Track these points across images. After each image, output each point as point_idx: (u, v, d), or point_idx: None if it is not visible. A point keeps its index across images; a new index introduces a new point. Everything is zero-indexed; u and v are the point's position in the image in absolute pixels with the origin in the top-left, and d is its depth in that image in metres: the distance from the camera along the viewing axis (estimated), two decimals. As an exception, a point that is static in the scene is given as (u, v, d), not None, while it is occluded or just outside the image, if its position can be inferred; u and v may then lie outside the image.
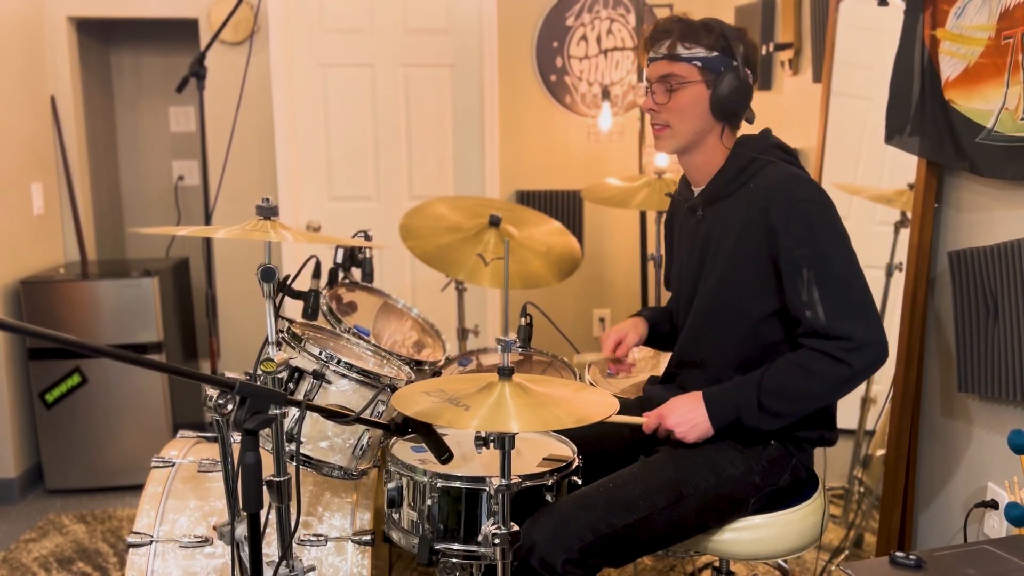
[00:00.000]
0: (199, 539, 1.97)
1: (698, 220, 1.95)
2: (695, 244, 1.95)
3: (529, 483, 1.72)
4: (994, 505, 2.01)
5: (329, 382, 1.88)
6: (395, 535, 1.82)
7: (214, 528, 1.93)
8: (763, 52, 3.44)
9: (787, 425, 1.83)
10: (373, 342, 2.19)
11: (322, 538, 1.99)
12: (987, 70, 1.96)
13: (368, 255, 2.58)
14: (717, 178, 1.89)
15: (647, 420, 1.87)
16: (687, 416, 1.82)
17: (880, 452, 2.58)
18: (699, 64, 1.82)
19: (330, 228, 4.01)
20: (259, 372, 1.67)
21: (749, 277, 1.83)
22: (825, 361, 1.72)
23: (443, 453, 1.72)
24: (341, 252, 2.50)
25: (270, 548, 1.91)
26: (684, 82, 1.83)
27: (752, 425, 1.79)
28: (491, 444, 1.61)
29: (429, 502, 1.74)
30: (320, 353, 1.88)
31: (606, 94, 3.98)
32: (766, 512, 1.86)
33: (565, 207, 4.14)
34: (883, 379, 2.60)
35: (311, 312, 1.94)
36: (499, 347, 1.56)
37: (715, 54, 1.82)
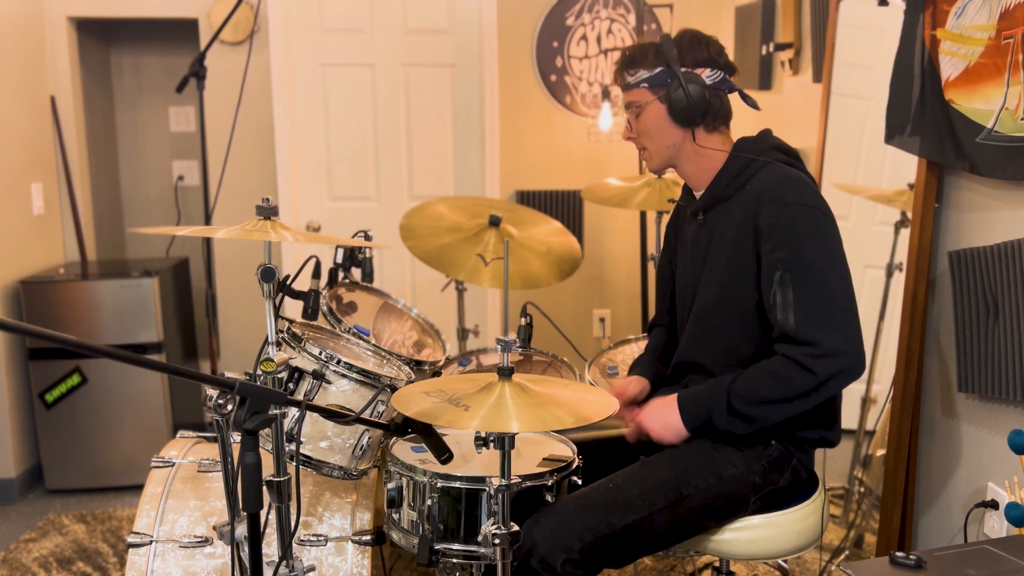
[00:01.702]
0: (199, 539, 1.97)
1: (700, 224, 1.96)
2: (698, 247, 1.96)
3: (529, 483, 1.72)
4: (994, 505, 2.01)
5: (329, 382, 1.88)
6: (395, 535, 1.82)
7: (214, 528, 1.94)
8: (763, 52, 3.44)
9: (787, 426, 1.84)
10: (373, 342, 2.19)
11: (322, 538, 1.99)
12: (987, 70, 1.96)
13: (368, 255, 2.58)
14: (715, 182, 1.91)
15: (629, 431, 1.91)
16: (662, 419, 1.84)
17: (880, 452, 2.58)
18: (646, 85, 1.90)
19: (330, 228, 4.01)
20: (259, 372, 1.67)
21: (744, 278, 1.83)
22: (792, 368, 1.72)
23: (443, 453, 1.72)
24: (341, 252, 2.50)
25: (270, 548, 1.91)
26: (641, 105, 1.91)
27: (723, 428, 1.79)
28: (491, 444, 1.61)
29: (429, 502, 1.74)
30: (320, 353, 1.88)
31: (606, 94, 3.98)
32: (766, 512, 1.86)
33: (565, 207, 4.14)
34: (883, 379, 2.60)
35: (311, 312, 1.94)
36: (499, 347, 1.56)
37: (658, 70, 1.88)
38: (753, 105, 1.93)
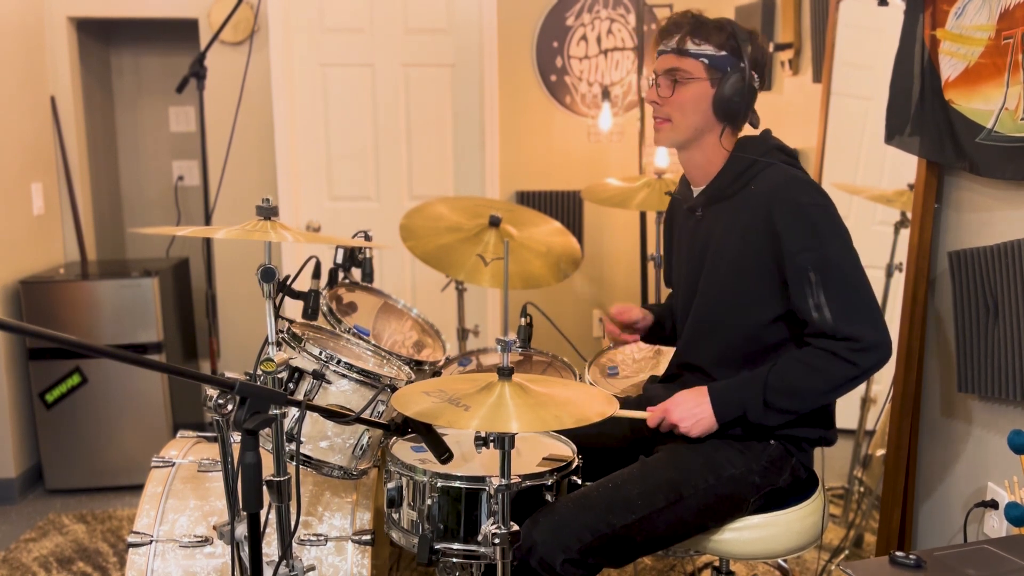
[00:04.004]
0: (199, 539, 1.97)
1: (697, 220, 1.95)
2: (695, 245, 1.95)
3: (529, 483, 1.72)
4: (994, 505, 2.01)
5: (329, 382, 1.88)
6: (395, 535, 1.82)
7: (214, 528, 1.94)
8: (763, 52, 3.44)
9: (786, 425, 1.84)
10: (373, 342, 2.19)
11: (322, 538, 1.99)
12: (987, 70, 1.96)
13: (368, 255, 2.58)
14: (717, 179, 1.89)
15: (651, 414, 1.87)
16: (692, 411, 1.82)
17: (880, 452, 2.58)
18: (706, 61, 1.82)
19: (330, 228, 4.01)
20: (259, 372, 1.67)
21: (752, 281, 1.82)
22: (832, 360, 1.73)
23: (443, 453, 1.72)
24: (341, 252, 2.50)
25: (270, 548, 1.91)
26: (689, 78, 1.83)
27: (756, 421, 1.79)
28: (491, 444, 1.61)
29: (429, 502, 1.74)
30: (320, 353, 1.88)
31: (606, 94, 3.98)
32: (766, 512, 1.86)
33: (565, 207, 4.14)
34: (883, 379, 2.60)
35: (311, 312, 1.94)
36: (499, 347, 1.56)
37: (723, 53, 1.81)
38: (755, 123, 1.92)
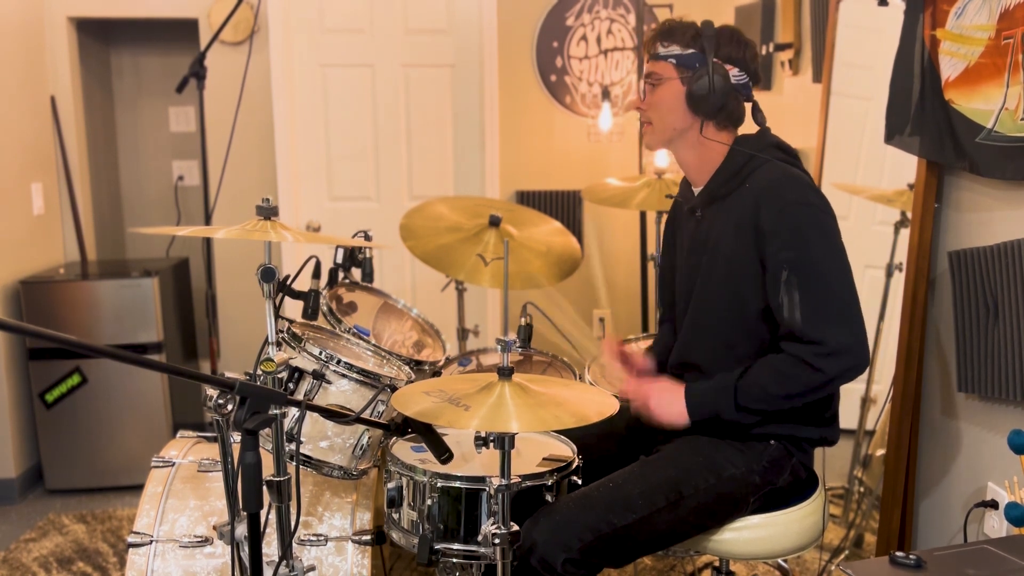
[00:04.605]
0: (199, 539, 1.97)
1: (697, 221, 1.96)
2: (695, 245, 1.96)
3: (529, 483, 1.72)
4: (994, 505, 2.01)
5: (329, 382, 1.88)
6: (395, 535, 1.82)
7: (214, 528, 1.94)
8: (763, 52, 3.44)
9: (787, 425, 1.84)
10: (373, 342, 2.19)
11: (322, 538, 1.99)
12: (987, 70, 1.96)
13: (368, 255, 2.58)
14: (714, 178, 1.90)
15: (631, 391, 1.90)
16: (667, 405, 1.85)
17: (880, 452, 2.58)
18: (674, 61, 1.87)
19: (330, 228, 4.01)
20: (259, 372, 1.67)
21: (744, 277, 1.83)
22: (799, 366, 1.74)
23: (443, 453, 1.72)
24: (341, 252, 2.50)
25: (270, 548, 1.91)
26: (661, 79, 1.89)
27: (731, 420, 1.82)
28: (491, 444, 1.62)
29: (429, 502, 1.74)
30: (320, 353, 1.88)
31: (606, 94, 3.98)
32: (766, 512, 1.86)
33: (565, 207, 4.14)
34: (883, 379, 2.60)
35: (311, 312, 1.94)
36: (499, 347, 1.56)
37: (690, 51, 1.86)
38: (761, 122, 1.93)
